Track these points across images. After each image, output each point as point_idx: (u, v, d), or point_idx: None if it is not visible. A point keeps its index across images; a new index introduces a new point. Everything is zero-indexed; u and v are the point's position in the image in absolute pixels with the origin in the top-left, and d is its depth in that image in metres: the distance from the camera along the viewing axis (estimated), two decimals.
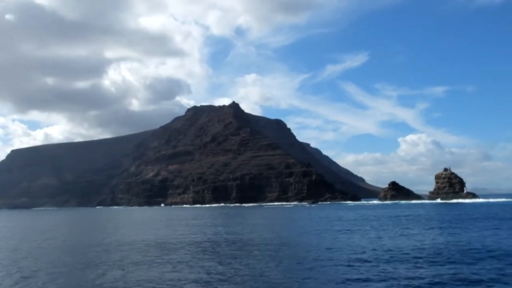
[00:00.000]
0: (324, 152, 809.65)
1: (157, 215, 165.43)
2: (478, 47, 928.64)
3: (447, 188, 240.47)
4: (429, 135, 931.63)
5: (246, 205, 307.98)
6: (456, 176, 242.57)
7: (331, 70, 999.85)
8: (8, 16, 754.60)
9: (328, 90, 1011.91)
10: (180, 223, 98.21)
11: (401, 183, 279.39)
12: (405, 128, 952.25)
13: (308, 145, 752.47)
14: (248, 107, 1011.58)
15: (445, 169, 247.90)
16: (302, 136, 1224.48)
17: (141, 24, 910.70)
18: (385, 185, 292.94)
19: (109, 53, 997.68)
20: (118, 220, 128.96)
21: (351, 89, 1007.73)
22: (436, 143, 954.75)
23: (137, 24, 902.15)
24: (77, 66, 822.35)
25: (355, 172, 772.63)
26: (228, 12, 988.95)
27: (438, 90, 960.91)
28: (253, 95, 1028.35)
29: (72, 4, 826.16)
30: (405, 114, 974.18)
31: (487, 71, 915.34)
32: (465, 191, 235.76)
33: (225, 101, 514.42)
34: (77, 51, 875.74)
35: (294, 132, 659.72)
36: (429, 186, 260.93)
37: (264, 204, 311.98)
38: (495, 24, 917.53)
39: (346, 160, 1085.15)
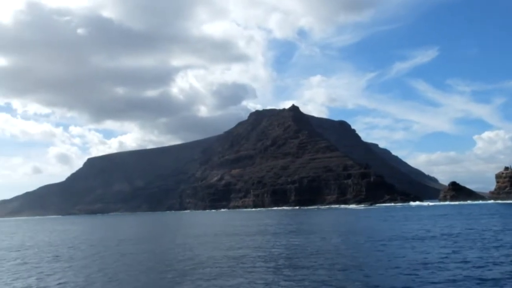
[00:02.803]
0: (394, 152, 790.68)
1: (213, 218, 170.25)
2: None
3: (508, 188, 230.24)
4: (508, 131, 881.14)
5: (304, 208, 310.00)
6: None
7: (399, 67, 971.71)
8: (79, 31, 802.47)
9: (397, 88, 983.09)
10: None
11: (478, 183, 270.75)
12: (481, 125, 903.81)
13: (376, 145, 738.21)
14: (314, 109, 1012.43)
15: (506, 168, 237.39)
16: (371, 136, 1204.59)
17: (204, 32, 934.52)
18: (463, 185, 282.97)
19: (175, 62, 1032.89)
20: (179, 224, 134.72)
21: (421, 86, 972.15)
22: None
23: (201, 31, 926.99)
24: (145, 76, 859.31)
25: (428, 172, 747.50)
26: (289, 14, 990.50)
27: None
28: (318, 97, 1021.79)
29: (138, 15, 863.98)
30: (480, 110, 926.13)
31: None
32: None
33: (290, 104, 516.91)
34: (145, 61, 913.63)
35: (362, 133, 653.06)
36: None
37: (322, 206, 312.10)
38: None
39: (418, 160, 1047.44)
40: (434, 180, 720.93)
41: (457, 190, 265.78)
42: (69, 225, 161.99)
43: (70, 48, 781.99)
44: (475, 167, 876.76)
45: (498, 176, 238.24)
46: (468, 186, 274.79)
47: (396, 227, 74.06)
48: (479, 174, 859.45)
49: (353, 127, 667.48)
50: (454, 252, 39.54)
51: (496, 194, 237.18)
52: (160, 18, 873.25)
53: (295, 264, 35.33)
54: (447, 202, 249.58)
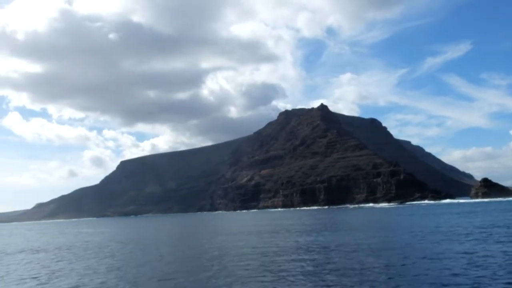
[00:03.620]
0: (428, 149, 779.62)
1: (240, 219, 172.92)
2: None
3: None
4: None
5: (334, 207, 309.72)
6: None
7: (431, 62, 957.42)
8: (111, 36, 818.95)
9: (429, 83, 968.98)
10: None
11: None
12: None
13: (408, 142, 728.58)
14: (345, 107, 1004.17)
15: None
16: (403, 133, 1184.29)
17: (233, 33, 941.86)
18: (499, 181, 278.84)
19: (205, 64, 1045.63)
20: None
21: (455, 81, 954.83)
22: None
23: (229, 32, 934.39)
24: (176, 78, 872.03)
25: (463, 169, 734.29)
26: (317, 13, 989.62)
27: None
28: (349, 95, 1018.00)
29: (167, 19, 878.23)
30: None
31: None
32: None
33: (320, 103, 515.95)
34: (175, 63, 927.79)
35: (394, 130, 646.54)
36: None
37: (351, 205, 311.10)
38: None
39: (452, 156, 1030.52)
40: (470, 176, 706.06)
41: (489, 187, 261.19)
42: (102, 228, 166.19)
43: (102, 53, 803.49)
44: None
45: None
46: (505, 182, 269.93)
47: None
48: None
49: (384, 124, 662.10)
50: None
51: None
52: (189, 21, 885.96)
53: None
54: (479, 199, 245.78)
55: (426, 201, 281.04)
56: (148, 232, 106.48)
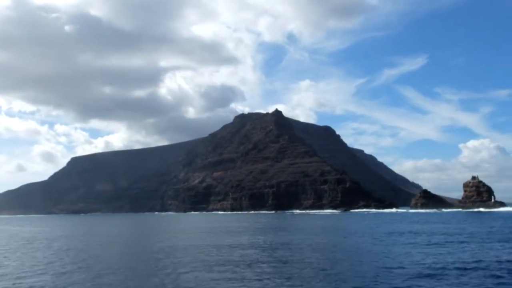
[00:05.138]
0: (381, 159, 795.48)
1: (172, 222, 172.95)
2: None
3: (475, 197, 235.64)
4: (494, 140, 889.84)
5: (280, 212, 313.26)
6: (484, 185, 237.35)
7: (388, 74, 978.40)
8: (67, 28, 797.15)
9: (386, 94, 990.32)
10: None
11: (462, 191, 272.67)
12: (468, 133, 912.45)
13: (361, 151, 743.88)
14: (302, 114, 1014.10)
15: (473, 178, 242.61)
16: (358, 142, 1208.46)
17: (194, 33, 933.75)
18: (446, 193, 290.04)
19: (164, 62, 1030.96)
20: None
21: (410, 93, 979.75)
22: (501, 149, 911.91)
23: (190, 33, 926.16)
24: (134, 75, 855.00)
25: (412, 179, 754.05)
26: (278, 18, 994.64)
27: (503, 93, 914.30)
28: (307, 101, 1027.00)
29: (127, 15, 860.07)
30: (467, 119, 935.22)
31: None
32: (493, 200, 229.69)
33: (279, 108, 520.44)
34: (133, 60, 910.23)
35: (350, 138, 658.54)
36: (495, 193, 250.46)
37: (296, 211, 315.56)
38: None
39: (404, 166, 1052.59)
40: (418, 187, 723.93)
41: (428, 198, 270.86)
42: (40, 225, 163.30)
43: (57, 46, 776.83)
44: (460, 175, 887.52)
45: (465, 185, 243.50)
46: (452, 194, 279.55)
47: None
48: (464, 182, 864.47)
49: (341, 132, 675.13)
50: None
51: (463, 202, 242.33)
52: (149, 18, 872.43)
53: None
54: (418, 210, 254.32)
55: (368, 210, 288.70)
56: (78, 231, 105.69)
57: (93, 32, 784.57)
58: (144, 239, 78.43)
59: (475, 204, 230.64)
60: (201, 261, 41.84)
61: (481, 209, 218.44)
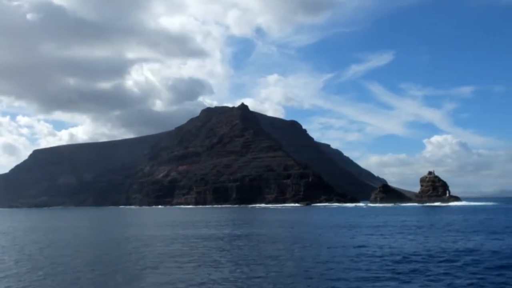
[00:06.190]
0: (348, 153, 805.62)
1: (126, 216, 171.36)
2: (506, 45, 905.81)
3: (430, 191, 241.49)
4: (457, 136, 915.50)
5: (242, 206, 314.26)
6: (439, 180, 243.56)
7: (355, 69, 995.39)
8: (29, 17, 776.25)
9: (353, 90, 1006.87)
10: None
11: None
12: (432, 129, 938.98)
13: (328, 146, 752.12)
14: (270, 108, 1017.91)
15: (430, 173, 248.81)
16: (326, 136, 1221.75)
17: (161, 25, 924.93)
18: (410, 187, 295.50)
19: (130, 54, 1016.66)
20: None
21: (376, 89, 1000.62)
22: (463, 145, 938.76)
23: (157, 24, 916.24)
24: (99, 67, 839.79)
25: (378, 174, 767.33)
26: (247, 11, 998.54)
27: (466, 90, 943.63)
28: (275, 96, 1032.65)
29: (92, 5, 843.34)
30: (431, 115, 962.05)
31: None
32: (447, 195, 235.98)
33: (247, 102, 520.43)
34: (99, 51, 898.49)
35: (317, 133, 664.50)
36: (456, 188, 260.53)
37: (257, 205, 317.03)
38: None
39: (370, 161, 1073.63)
40: (384, 181, 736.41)
41: (387, 192, 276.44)
42: None
43: (19, 35, 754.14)
44: (424, 169, 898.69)
45: (422, 180, 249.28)
46: (416, 188, 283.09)
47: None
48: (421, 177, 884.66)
49: (309, 127, 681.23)
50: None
51: (419, 197, 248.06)
52: (115, 9, 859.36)
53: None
54: (377, 204, 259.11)
55: (329, 204, 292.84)
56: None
57: (56, 22, 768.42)
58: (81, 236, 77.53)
59: (431, 198, 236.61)
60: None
61: (437, 203, 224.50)
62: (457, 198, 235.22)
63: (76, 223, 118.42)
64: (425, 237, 55.44)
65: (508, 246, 44.92)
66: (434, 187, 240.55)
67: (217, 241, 55.56)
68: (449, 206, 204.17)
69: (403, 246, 46.44)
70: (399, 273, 31.12)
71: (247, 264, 36.02)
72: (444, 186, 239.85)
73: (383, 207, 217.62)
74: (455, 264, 34.79)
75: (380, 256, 38.82)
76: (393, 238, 55.42)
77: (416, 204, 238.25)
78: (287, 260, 37.79)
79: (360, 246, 46.19)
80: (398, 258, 37.89)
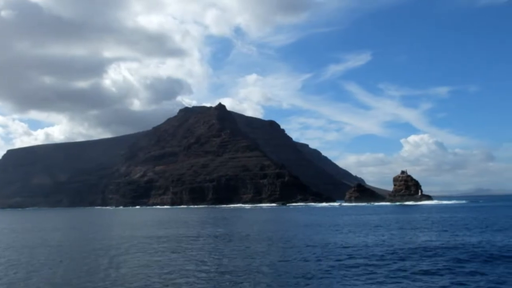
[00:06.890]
0: (326, 153, 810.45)
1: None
2: (481, 46, 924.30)
3: (403, 191, 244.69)
4: (433, 135, 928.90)
5: (216, 206, 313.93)
6: (412, 179, 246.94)
7: (333, 70, 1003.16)
8: (3, 13, 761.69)
9: (331, 90, 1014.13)
10: None
11: None
12: (409, 129, 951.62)
13: (306, 146, 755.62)
14: (249, 108, 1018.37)
15: (402, 172, 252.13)
16: (304, 136, 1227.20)
17: (139, 23, 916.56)
18: (388, 186, 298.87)
19: (107, 53, 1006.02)
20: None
21: (354, 89, 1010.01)
22: (439, 144, 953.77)
23: (135, 23, 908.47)
24: (75, 66, 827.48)
25: (356, 173, 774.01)
26: (226, 11, 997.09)
27: (442, 91, 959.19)
28: (254, 96, 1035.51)
29: (68, 2, 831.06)
30: (408, 115, 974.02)
31: (490, 71, 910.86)
32: (419, 194, 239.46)
33: (226, 102, 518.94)
34: (75, 50, 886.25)
35: (296, 133, 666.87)
36: (433, 187, 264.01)
37: (232, 205, 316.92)
38: (498, 23, 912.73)
39: (348, 160, 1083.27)
40: (361, 180, 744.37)
41: (361, 192, 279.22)
42: None
43: None
44: (401, 169, 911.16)
45: (395, 180, 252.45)
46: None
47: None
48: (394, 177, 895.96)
49: (288, 127, 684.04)
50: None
51: (392, 196, 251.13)
52: (92, 7, 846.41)
53: None
54: (351, 203, 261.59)
55: (305, 203, 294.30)
56: None
57: (32, 19, 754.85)
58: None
59: (403, 197, 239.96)
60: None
61: (409, 202, 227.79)
62: (429, 197, 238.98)
63: (41, 225, 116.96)
64: (376, 235, 57.29)
65: (445, 243, 46.78)
66: (407, 186, 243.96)
67: (170, 242, 55.80)
68: (420, 205, 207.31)
69: (350, 242, 48.90)
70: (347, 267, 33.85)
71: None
72: (417, 185, 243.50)
73: (356, 206, 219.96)
74: (385, 257, 37.90)
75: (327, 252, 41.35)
76: (345, 235, 58.28)
77: (388, 203, 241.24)
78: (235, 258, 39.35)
79: (310, 246, 47.32)
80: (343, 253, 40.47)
